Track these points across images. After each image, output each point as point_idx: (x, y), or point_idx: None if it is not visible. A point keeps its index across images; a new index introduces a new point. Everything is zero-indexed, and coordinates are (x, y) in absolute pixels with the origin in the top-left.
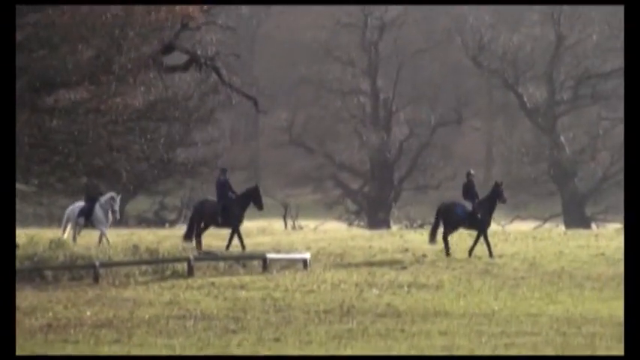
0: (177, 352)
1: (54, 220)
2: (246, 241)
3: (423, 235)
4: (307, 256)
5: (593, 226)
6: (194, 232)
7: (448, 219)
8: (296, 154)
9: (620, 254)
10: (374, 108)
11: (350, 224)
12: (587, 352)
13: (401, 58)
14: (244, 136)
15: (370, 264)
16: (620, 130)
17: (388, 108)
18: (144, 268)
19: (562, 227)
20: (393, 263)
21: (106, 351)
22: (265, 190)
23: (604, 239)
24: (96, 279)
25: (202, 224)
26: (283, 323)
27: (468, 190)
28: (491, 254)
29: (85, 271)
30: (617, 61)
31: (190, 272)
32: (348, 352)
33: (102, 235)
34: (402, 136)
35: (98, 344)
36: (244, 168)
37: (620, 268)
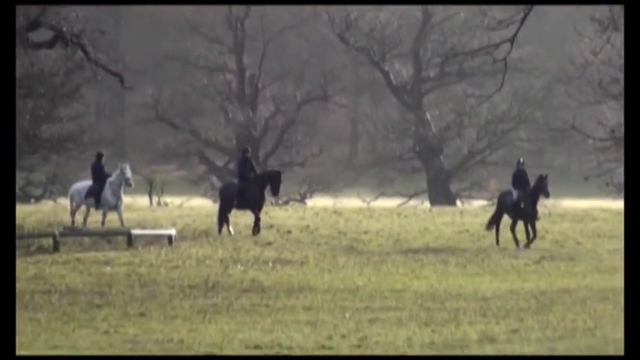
0: (43, 325)
1: None
2: (109, 216)
3: (288, 211)
4: (172, 232)
5: (458, 202)
6: (225, 217)
7: (500, 207)
8: (162, 131)
9: (484, 231)
10: (240, 85)
11: (215, 201)
12: (451, 327)
13: (267, 35)
14: (110, 112)
15: (235, 240)
16: (485, 107)
17: (254, 85)
18: None
19: (427, 204)
20: (257, 239)
21: None
22: (130, 166)
23: (469, 216)
24: None
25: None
26: (148, 298)
27: (517, 179)
28: (530, 243)
29: None
30: (483, 38)
31: (56, 247)
32: (213, 326)
33: (104, 215)
34: (268, 112)
35: None
36: (110, 144)
37: (485, 244)
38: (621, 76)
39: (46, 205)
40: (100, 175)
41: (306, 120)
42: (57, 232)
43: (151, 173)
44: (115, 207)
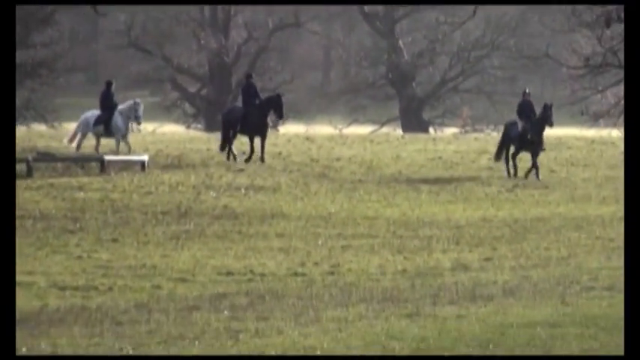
0: (16, 251)
1: None
2: (83, 142)
3: None
4: (145, 158)
5: (431, 130)
6: (228, 142)
7: (505, 138)
8: (134, 57)
9: (457, 158)
10: (212, 11)
11: (188, 127)
12: (424, 255)
13: None
14: (83, 38)
15: (207, 166)
16: (458, 34)
17: (226, 11)
18: None
19: (399, 131)
20: (230, 165)
21: None
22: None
23: (441, 143)
24: None
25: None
26: (121, 224)
27: (523, 109)
28: (537, 175)
29: None
30: None
31: (29, 173)
32: (185, 252)
33: (118, 142)
34: (241, 39)
35: None
36: (83, 70)
37: (457, 171)
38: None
39: (19, 131)
40: (108, 103)
41: (278, 47)
42: (30, 158)
43: (124, 99)
44: (124, 135)
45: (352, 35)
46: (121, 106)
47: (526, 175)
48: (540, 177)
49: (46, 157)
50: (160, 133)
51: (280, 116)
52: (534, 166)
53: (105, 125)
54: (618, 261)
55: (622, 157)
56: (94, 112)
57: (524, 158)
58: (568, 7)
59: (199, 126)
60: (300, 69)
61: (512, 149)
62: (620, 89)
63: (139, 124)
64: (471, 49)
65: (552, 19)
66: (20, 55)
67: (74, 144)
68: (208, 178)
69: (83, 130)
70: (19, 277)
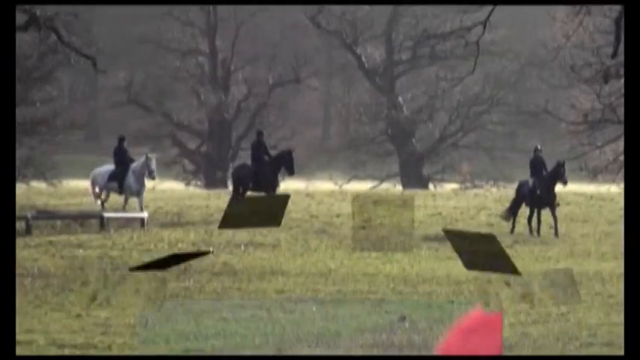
0: (15, 309)
1: None
2: (82, 199)
3: (260, 194)
4: (144, 215)
5: (430, 186)
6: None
7: (518, 197)
8: (134, 114)
9: (457, 214)
10: (212, 67)
11: (187, 184)
12: (425, 311)
13: (239, 17)
14: (83, 95)
15: (207, 223)
16: (457, 90)
17: (226, 67)
18: None
19: (399, 187)
20: None
21: None
22: (103, 149)
23: (441, 199)
24: None
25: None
26: (120, 281)
27: (535, 167)
28: (538, 231)
29: None
30: (455, 21)
31: (28, 231)
32: (185, 310)
33: (126, 200)
34: (240, 95)
35: None
36: (82, 127)
37: (457, 227)
38: (593, 59)
39: (19, 189)
40: (122, 159)
41: (278, 103)
42: (29, 216)
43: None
44: (138, 193)
45: (352, 91)
46: (134, 165)
47: (556, 234)
48: (541, 234)
49: (45, 214)
50: (159, 190)
51: (291, 172)
52: (554, 220)
53: (118, 182)
54: (618, 317)
55: (621, 212)
56: (106, 167)
57: (525, 214)
58: (566, 63)
59: (199, 183)
60: (299, 125)
61: (524, 209)
62: (619, 145)
63: (153, 178)
64: (470, 105)
65: (551, 74)
66: (20, 113)
67: (99, 201)
68: (208, 235)
69: (99, 185)
70: (18, 336)
